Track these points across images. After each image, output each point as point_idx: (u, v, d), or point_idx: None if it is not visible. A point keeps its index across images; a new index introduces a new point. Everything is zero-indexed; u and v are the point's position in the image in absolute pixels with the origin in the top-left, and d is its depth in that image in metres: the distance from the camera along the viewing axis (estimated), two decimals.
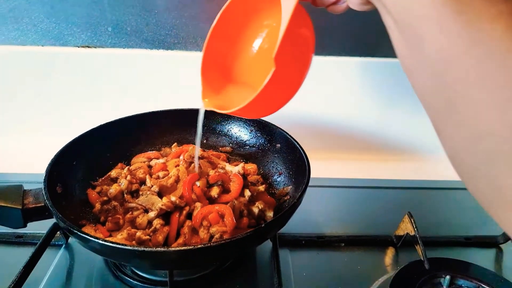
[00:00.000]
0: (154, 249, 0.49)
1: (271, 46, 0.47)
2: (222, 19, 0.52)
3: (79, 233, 0.51)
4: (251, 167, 0.76)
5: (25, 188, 0.60)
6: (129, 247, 0.49)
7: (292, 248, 0.70)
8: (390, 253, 0.72)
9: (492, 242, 0.74)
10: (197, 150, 0.68)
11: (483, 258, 0.71)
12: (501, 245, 0.73)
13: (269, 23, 0.54)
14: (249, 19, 0.54)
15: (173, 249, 0.50)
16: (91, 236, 0.50)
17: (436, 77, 0.29)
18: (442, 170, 0.78)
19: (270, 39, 0.55)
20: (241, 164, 0.72)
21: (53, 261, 0.66)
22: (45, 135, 0.97)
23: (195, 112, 0.81)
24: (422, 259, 0.63)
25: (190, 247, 0.49)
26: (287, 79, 0.47)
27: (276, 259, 0.63)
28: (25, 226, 0.58)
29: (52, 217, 0.58)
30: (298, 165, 0.70)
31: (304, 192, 0.60)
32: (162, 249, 0.49)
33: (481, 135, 0.27)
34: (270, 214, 0.66)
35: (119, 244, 0.49)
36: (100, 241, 0.49)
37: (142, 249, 0.49)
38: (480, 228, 0.77)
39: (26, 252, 0.64)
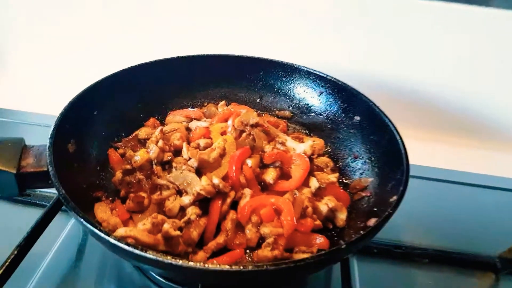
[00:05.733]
0: (188, 264, 0.35)
1: None
2: None
3: (86, 224, 0.37)
4: (316, 142, 0.57)
5: (26, 143, 0.46)
6: (151, 256, 0.34)
7: (360, 256, 0.56)
8: (488, 280, 0.56)
9: None
10: None
11: None
12: None
13: None
14: None
15: (213, 268, 0.34)
16: (102, 231, 0.36)
17: None
18: None
19: None
20: (310, 142, 0.54)
21: (63, 230, 0.55)
22: (64, 69, 0.84)
23: (252, 60, 0.66)
24: None
25: (239, 269, 0.34)
26: None
27: (346, 271, 0.47)
28: (21, 195, 0.44)
29: None
30: (387, 150, 0.53)
31: (403, 197, 0.43)
32: (200, 266, 0.35)
33: None
34: (342, 216, 0.49)
35: (136, 248, 0.35)
36: (112, 240, 0.36)
37: (169, 261, 0.35)
38: None
39: (32, 215, 0.53)
